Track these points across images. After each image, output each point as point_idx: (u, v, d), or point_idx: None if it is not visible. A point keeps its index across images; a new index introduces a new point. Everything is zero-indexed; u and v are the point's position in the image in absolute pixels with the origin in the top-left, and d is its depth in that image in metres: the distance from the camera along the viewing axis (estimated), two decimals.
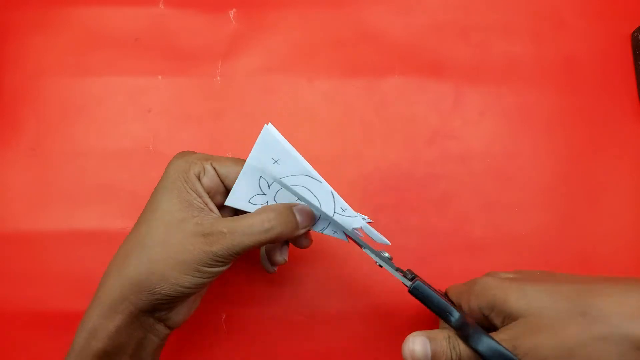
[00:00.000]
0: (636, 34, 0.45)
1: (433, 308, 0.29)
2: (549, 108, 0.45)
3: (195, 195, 0.30)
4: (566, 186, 0.44)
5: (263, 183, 0.32)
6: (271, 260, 0.35)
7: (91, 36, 0.47)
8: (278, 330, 0.41)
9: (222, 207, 0.33)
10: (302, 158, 0.32)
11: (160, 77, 0.46)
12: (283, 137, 0.31)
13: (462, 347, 0.27)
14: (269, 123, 0.31)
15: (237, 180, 0.32)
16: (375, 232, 0.32)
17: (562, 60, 0.46)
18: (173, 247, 0.29)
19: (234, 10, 0.48)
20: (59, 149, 0.44)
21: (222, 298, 0.41)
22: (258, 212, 0.30)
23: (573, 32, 0.47)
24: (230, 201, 0.32)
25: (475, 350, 0.26)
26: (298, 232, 0.31)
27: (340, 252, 0.42)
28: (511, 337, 0.26)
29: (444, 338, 0.28)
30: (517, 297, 0.27)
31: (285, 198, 0.32)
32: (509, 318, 0.27)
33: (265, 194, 0.32)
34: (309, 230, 0.33)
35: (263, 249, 0.36)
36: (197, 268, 0.29)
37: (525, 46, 0.47)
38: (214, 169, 0.31)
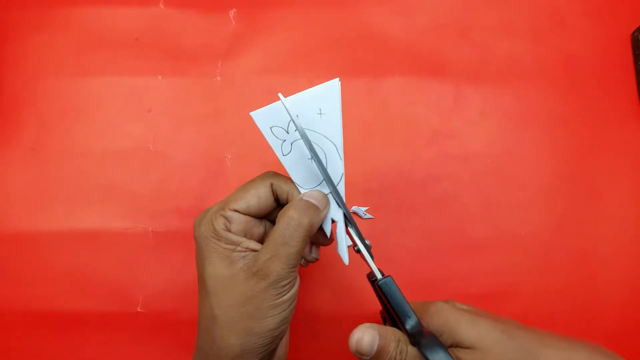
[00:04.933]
0: (636, 34, 0.45)
1: (395, 307, 0.28)
2: (549, 108, 0.45)
3: (232, 246, 0.30)
4: (566, 186, 0.44)
5: (290, 126, 0.31)
6: (304, 257, 0.34)
7: (91, 36, 0.47)
8: None
9: (264, 235, 0.33)
10: (341, 128, 0.31)
11: (160, 77, 0.46)
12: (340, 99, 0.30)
13: (410, 353, 0.27)
14: (338, 79, 0.30)
15: (271, 105, 0.30)
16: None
17: (562, 60, 0.46)
18: (240, 303, 0.28)
19: (234, 10, 0.48)
20: (59, 149, 0.44)
21: None
22: (278, 219, 0.30)
23: (573, 32, 0.47)
24: (256, 114, 0.30)
25: (427, 358, 0.26)
26: (322, 214, 0.31)
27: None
28: None
29: (393, 339, 0.28)
30: (470, 327, 0.28)
31: (298, 151, 0.31)
32: (457, 345, 0.28)
33: (288, 133, 0.31)
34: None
35: None
36: (270, 305, 0.28)
37: (525, 46, 0.47)
38: (235, 210, 0.31)
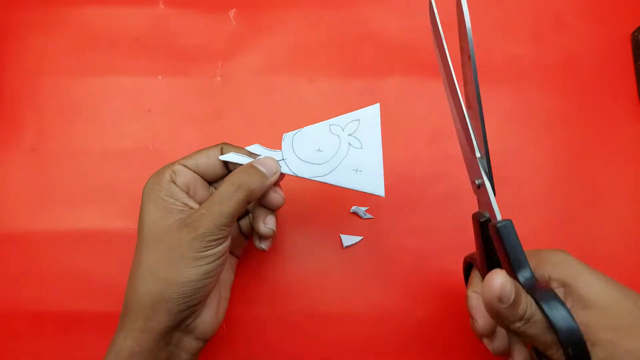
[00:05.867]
0: (636, 34, 0.45)
1: (511, 254, 0.26)
2: (549, 108, 0.45)
3: (172, 200, 0.31)
4: (566, 186, 0.44)
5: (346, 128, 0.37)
6: (258, 232, 0.35)
7: (91, 36, 0.47)
8: (278, 330, 0.41)
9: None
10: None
11: (160, 77, 0.46)
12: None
13: (534, 307, 0.25)
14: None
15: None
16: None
17: (562, 60, 0.46)
18: (165, 251, 0.30)
19: (234, 10, 0.48)
20: (59, 149, 0.44)
21: None
22: (224, 181, 0.32)
23: (573, 32, 0.47)
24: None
25: (546, 315, 0.24)
26: (268, 181, 0.32)
27: (339, 252, 0.42)
28: (583, 322, 0.25)
29: (522, 289, 0.25)
30: (603, 288, 0.26)
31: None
32: (580, 303, 0.26)
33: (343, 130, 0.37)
34: (279, 178, 0.34)
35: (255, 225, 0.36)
36: (195, 256, 0.29)
37: (525, 46, 0.47)
38: (183, 165, 0.33)
